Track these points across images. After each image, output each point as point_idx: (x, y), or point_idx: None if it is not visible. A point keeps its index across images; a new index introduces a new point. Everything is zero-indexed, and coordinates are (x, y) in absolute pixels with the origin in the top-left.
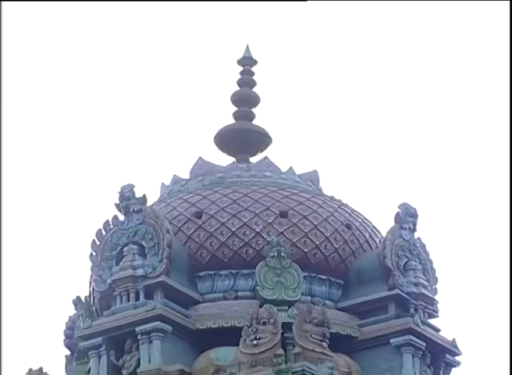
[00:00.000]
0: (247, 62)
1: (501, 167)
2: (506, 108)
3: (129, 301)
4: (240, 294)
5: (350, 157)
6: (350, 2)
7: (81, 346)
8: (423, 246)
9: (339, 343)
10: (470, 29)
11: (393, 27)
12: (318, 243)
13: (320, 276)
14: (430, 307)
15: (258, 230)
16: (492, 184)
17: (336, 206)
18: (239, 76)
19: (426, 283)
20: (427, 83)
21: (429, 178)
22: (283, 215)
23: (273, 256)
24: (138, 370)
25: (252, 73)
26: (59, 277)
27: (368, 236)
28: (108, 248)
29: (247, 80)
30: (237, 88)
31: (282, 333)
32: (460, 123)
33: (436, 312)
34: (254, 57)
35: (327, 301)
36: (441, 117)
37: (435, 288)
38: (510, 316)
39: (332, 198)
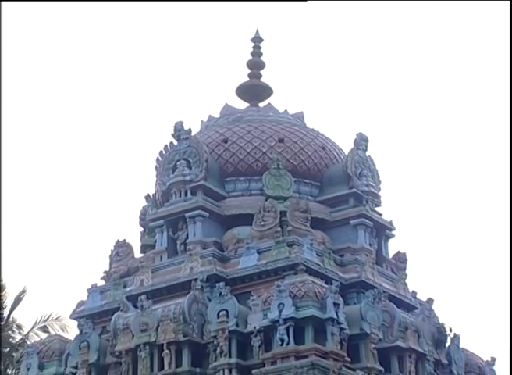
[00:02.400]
0: (257, 39)
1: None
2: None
3: (180, 196)
4: (252, 192)
5: (324, 103)
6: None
7: (150, 225)
8: (372, 160)
9: (317, 224)
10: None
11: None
12: (303, 159)
13: (304, 180)
14: (376, 200)
15: (264, 151)
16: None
17: (315, 135)
18: (251, 50)
19: (373, 185)
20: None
21: (376, 116)
22: (281, 140)
23: (274, 168)
24: (187, 241)
25: (260, 47)
26: (137, 182)
27: (336, 154)
28: (167, 163)
29: (256, 52)
30: (250, 57)
31: (280, 218)
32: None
33: (380, 203)
34: (262, 36)
35: (309, 197)
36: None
37: (379, 188)
38: None
39: (312, 130)
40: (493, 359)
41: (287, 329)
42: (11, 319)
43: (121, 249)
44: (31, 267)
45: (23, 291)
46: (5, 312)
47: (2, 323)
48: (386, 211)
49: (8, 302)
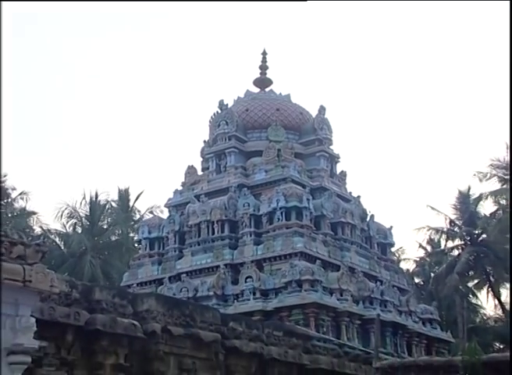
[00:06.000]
0: (264, 53)
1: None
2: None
3: (222, 141)
4: (262, 138)
5: (301, 89)
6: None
7: (206, 157)
8: (328, 120)
9: (298, 156)
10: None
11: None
12: (290, 119)
13: (291, 131)
14: (330, 142)
15: (268, 115)
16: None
17: (297, 106)
18: (261, 58)
19: (329, 134)
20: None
21: (333, 95)
22: (277, 109)
23: (274, 125)
24: (226, 165)
25: (266, 58)
26: (200, 133)
27: (308, 117)
28: (215, 122)
29: (264, 60)
30: (260, 63)
31: (277, 152)
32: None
33: (332, 144)
34: (267, 51)
35: (293, 141)
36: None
37: (332, 135)
38: None
39: (295, 103)
40: (391, 227)
41: (281, 213)
42: (134, 207)
43: (190, 170)
44: (148, 176)
45: (141, 192)
46: (131, 203)
47: (129, 209)
48: (336, 148)
49: (132, 197)
